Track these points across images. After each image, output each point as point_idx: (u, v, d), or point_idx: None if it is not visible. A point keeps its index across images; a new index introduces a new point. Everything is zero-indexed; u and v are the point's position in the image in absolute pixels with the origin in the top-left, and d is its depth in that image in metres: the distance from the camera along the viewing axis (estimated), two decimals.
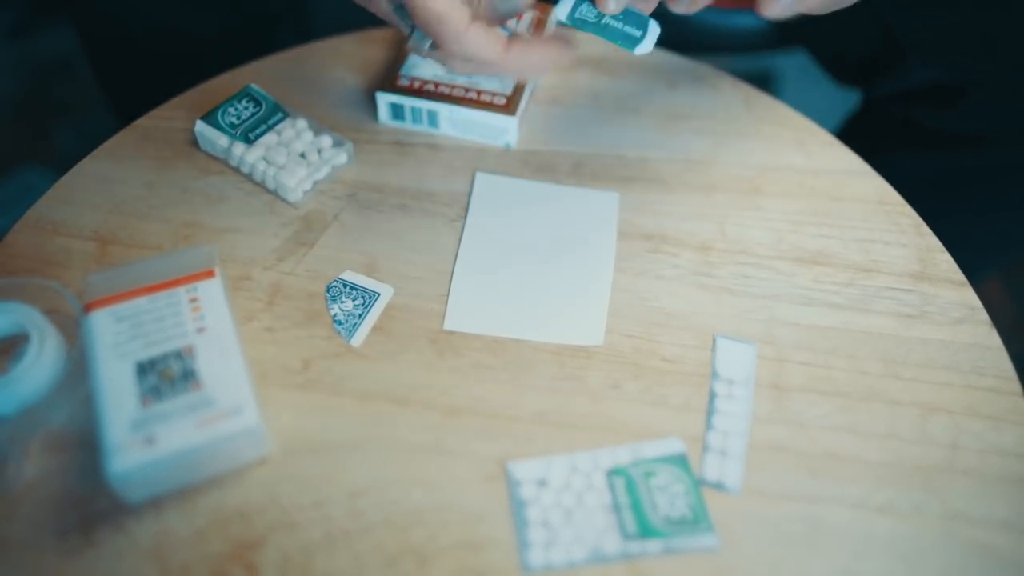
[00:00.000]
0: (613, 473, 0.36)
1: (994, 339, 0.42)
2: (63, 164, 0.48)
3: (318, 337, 0.41)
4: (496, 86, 0.49)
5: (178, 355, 0.36)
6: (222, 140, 0.46)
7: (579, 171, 0.48)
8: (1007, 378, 0.40)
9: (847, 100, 0.72)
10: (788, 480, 0.37)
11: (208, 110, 0.47)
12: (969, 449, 0.38)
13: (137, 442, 0.33)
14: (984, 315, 0.42)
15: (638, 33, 0.41)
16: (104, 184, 0.46)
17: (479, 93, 0.49)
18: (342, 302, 0.42)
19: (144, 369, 0.35)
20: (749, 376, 0.40)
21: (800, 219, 0.46)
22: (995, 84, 0.56)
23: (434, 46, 0.39)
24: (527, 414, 0.38)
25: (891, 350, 0.41)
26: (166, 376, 0.35)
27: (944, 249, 0.45)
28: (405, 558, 0.34)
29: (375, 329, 0.41)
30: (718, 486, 0.36)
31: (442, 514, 0.35)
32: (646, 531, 0.35)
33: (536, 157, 0.49)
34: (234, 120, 0.47)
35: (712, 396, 0.39)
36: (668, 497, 0.36)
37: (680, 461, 0.37)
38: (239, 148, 0.46)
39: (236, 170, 0.47)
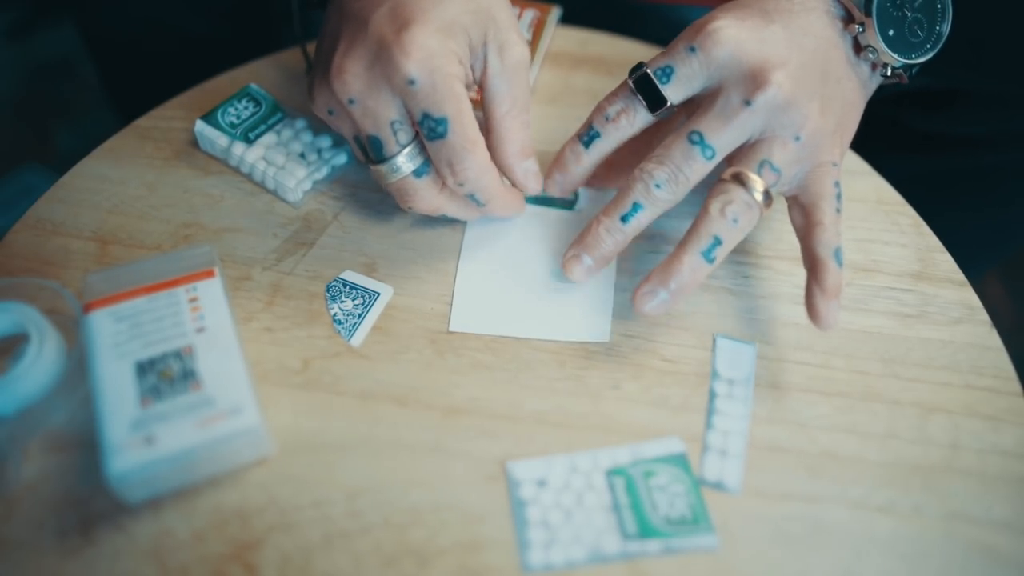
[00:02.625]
0: (613, 473, 0.36)
1: (994, 339, 0.42)
2: (63, 164, 0.48)
3: (318, 337, 0.41)
4: None
5: (178, 355, 0.36)
6: (222, 140, 0.46)
7: None
8: (1007, 378, 0.40)
9: None
10: (788, 480, 0.37)
11: (208, 110, 0.47)
12: (969, 449, 0.38)
13: (136, 442, 0.33)
14: (984, 315, 0.42)
15: (571, 197, 0.47)
16: (104, 184, 0.46)
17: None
18: (342, 302, 0.42)
19: (143, 369, 0.35)
20: (749, 376, 0.40)
21: None
22: (981, 91, 0.57)
23: (420, 173, 0.39)
24: (527, 414, 0.38)
25: (891, 350, 0.41)
26: (165, 376, 0.35)
27: (944, 249, 0.45)
28: (404, 558, 0.34)
29: (375, 329, 0.41)
30: (718, 486, 0.36)
31: (442, 514, 0.35)
32: (646, 531, 0.35)
33: (535, 157, 0.49)
34: (234, 120, 0.47)
35: (712, 396, 0.39)
36: (668, 497, 0.36)
37: (680, 461, 0.37)
38: (239, 148, 0.46)
39: (236, 170, 0.47)
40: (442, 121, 0.37)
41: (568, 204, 0.47)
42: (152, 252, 0.43)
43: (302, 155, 0.46)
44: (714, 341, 0.41)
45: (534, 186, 0.43)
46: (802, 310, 0.42)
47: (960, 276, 0.44)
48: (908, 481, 0.37)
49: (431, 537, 0.35)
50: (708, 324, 0.42)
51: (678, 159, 0.38)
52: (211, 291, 0.38)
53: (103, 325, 0.36)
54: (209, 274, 0.39)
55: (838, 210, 0.39)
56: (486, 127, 0.41)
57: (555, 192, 0.44)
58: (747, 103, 0.37)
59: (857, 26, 0.39)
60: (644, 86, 0.39)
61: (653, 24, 0.64)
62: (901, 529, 0.35)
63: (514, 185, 0.43)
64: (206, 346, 0.36)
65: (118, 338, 0.36)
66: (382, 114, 0.37)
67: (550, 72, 0.54)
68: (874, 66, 0.41)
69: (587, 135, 0.41)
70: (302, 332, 0.41)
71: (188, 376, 0.35)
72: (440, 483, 0.36)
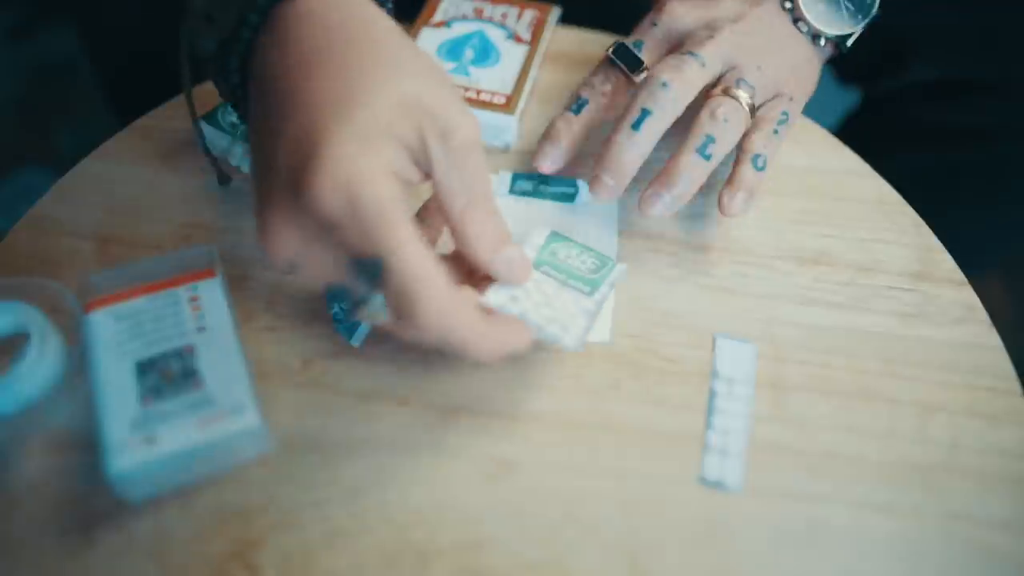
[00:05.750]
0: None
1: (994, 339, 0.42)
2: (63, 164, 0.48)
3: (318, 337, 0.41)
4: (496, 86, 0.49)
5: (178, 355, 0.36)
6: (222, 140, 0.46)
7: (578, 171, 0.48)
8: (1006, 378, 0.40)
9: (847, 99, 0.72)
10: (788, 480, 0.37)
11: (208, 110, 0.47)
12: (969, 449, 0.38)
13: (137, 442, 0.33)
14: (984, 315, 0.43)
15: (572, 190, 0.47)
16: (104, 184, 0.46)
17: (479, 92, 0.49)
18: (342, 301, 0.42)
19: (144, 369, 0.35)
20: (749, 376, 0.40)
21: (800, 219, 0.46)
22: (994, 81, 0.56)
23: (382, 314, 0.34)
24: (527, 414, 0.38)
25: (891, 349, 0.41)
26: (166, 376, 0.35)
27: (944, 249, 0.45)
28: (405, 558, 0.34)
29: (375, 329, 0.41)
30: (718, 486, 0.36)
31: (442, 514, 0.35)
32: None
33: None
34: (234, 120, 0.47)
35: (712, 396, 0.39)
36: None
37: None
38: (239, 148, 0.46)
39: (236, 170, 0.47)
40: (373, 264, 0.30)
41: (569, 197, 0.46)
42: (152, 252, 0.43)
43: None
44: (714, 341, 0.41)
45: (522, 275, 0.36)
46: (803, 310, 0.42)
47: (960, 276, 0.44)
48: (908, 481, 0.37)
49: (431, 537, 0.35)
50: (708, 324, 0.42)
51: (675, 62, 0.42)
52: (211, 291, 0.38)
53: (104, 325, 0.36)
54: (209, 274, 0.39)
55: (775, 131, 0.43)
56: (450, 229, 0.35)
57: (547, 167, 0.45)
58: (710, 37, 0.43)
59: (787, 2, 0.46)
60: (623, 55, 0.45)
61: None
62: (901, 529, 0.35)
63: (500, 280, 0.36)
64: (206, 346, 0.36)
65: (119, 338, 0.36)
66: (331, 270, 0.33)
67: (550, 72, 0.54)
68: (814, 37, 0.46)
69: (576, 104, 0.45)
70: (302, 332, 0.41)
71: (189, 375, 0.35)
72: (440, 483, 0.36)
